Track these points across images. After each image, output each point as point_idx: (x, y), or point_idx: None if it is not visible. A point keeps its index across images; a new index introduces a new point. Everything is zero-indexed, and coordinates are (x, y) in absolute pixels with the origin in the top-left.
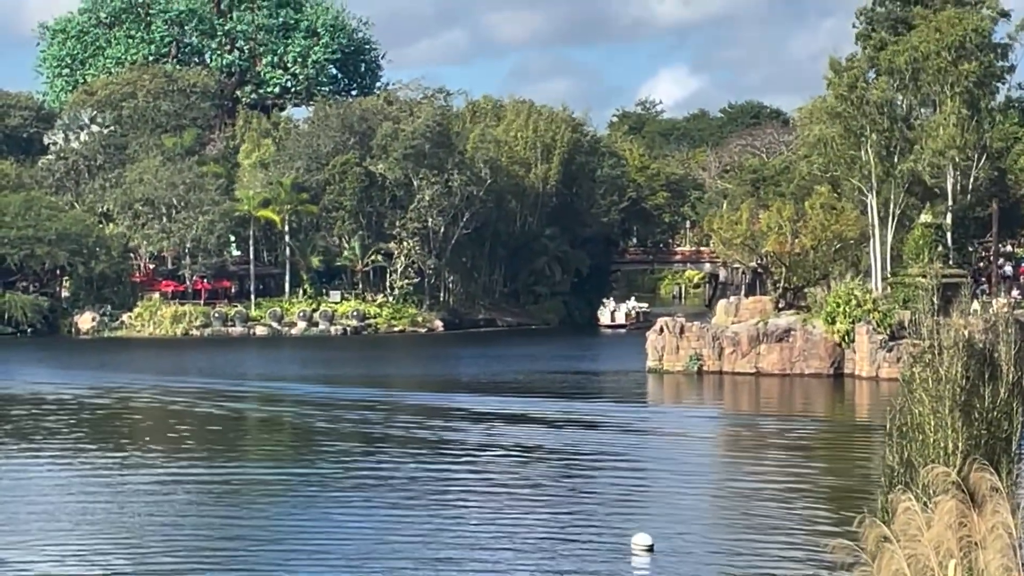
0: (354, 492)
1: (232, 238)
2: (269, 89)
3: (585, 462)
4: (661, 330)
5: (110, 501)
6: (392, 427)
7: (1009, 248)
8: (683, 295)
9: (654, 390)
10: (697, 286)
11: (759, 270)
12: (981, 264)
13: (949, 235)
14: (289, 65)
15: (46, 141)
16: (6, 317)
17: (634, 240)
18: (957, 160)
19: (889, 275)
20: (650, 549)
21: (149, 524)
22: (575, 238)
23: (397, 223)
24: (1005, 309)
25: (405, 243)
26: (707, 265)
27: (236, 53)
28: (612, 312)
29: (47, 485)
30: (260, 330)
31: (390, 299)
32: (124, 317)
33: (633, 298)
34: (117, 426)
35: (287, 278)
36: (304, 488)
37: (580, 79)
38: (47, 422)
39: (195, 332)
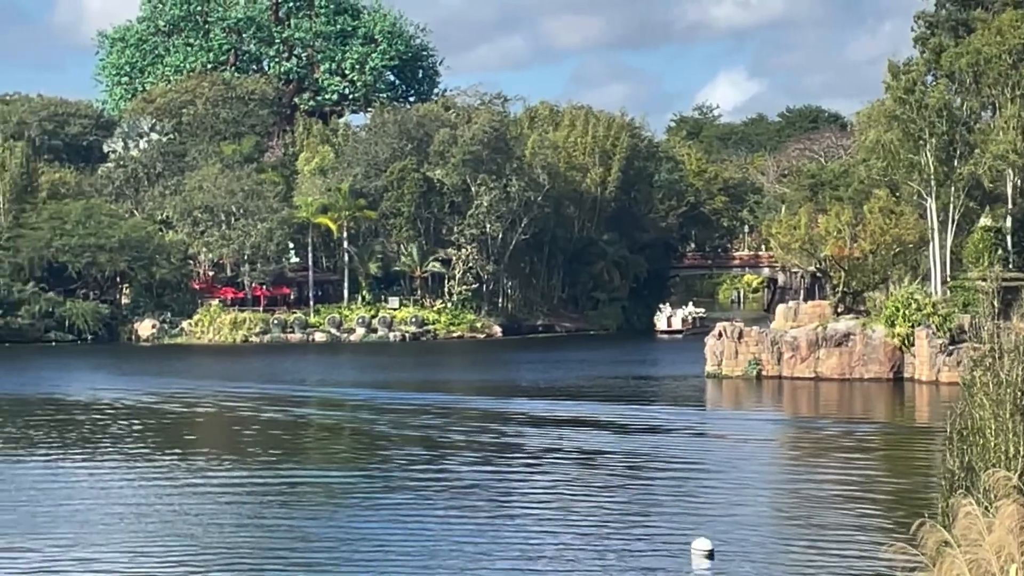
0: (417, 495)
1: (291, 245)
2: (327, 96)
3: (645, 466)
4: (720, 335)
5: (176, 504)
6: (453, 431)
7: None
8: (742, 300)
9: (713, 395)
10: (756, 291)
11: (818, 274)
12: None
13: (1009, 239)
14: (347, 72)
15: (106, 149)
16: (67, 324)
17: (692, 245)
18: (1018, 163)
19: (949, 279)
20: (710, 554)
21: (214, 527)
22: (633, 243)
23: (455, 229)
24: None
25: (463, 249)
26: (766, 270)
27: (294, 60)
28: (668, 318)
29: (114, 489)
30: (319, 336)
31: (449, 305)
32: (184, 324)
33: (691, 303)
34: (181, 431)
35: (346, 284)
36: (367, 491)
37: (638, 84)
38: (112, 428)
39: (254, 339)
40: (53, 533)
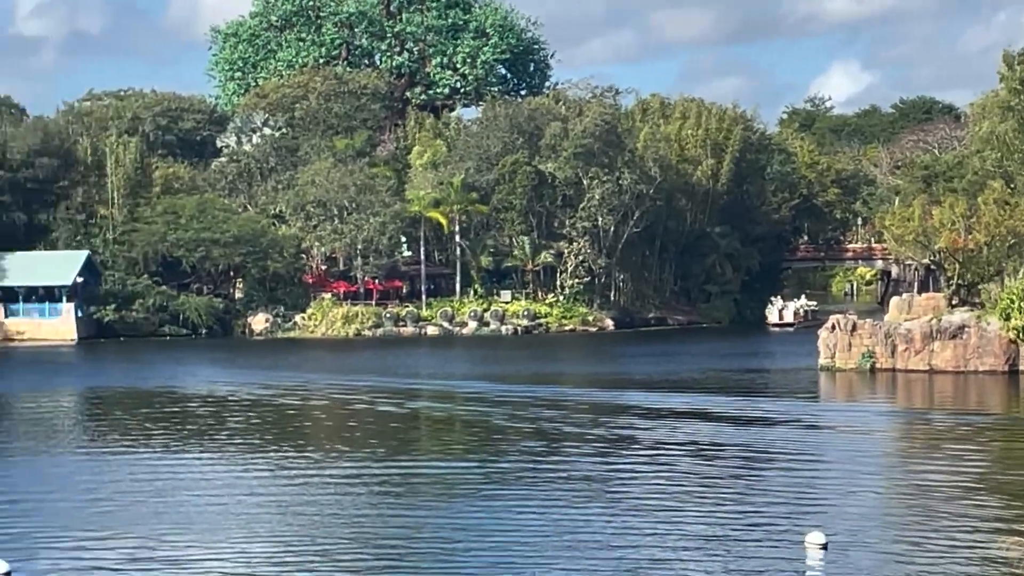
0: (531, 486)
1: (403, 238)
2: (439, 90)
3: (758, 458)
4: (833, 327)
5: (292, 497)
6: (566, 424)
7: None
8: (855, 292)
9: (827, 387)
10: (869, 283)
11: (932, 267)
12: None
13: None
14: (458, 66)
15: (219, 144)
16: (181, 319)
17: (805, 237)
18: None
19: None
20: (824, 547)
21: (331, 518)
22: (745, 236)
23: (567, 222)
24: None
25: (575, 242)
26: (879, 262)
27: (406, 54)
28: (780, 311)
29: (231, 481)
30: (431, 330)
31: (561, 298)
32: (297, 318)
33: (803, 296)
34: (297, 424)
35: (458, 278)
36: (481, 483)
37: (750, 76)
38: (229, 421)
39: (367, 332)
40: (171, 525)
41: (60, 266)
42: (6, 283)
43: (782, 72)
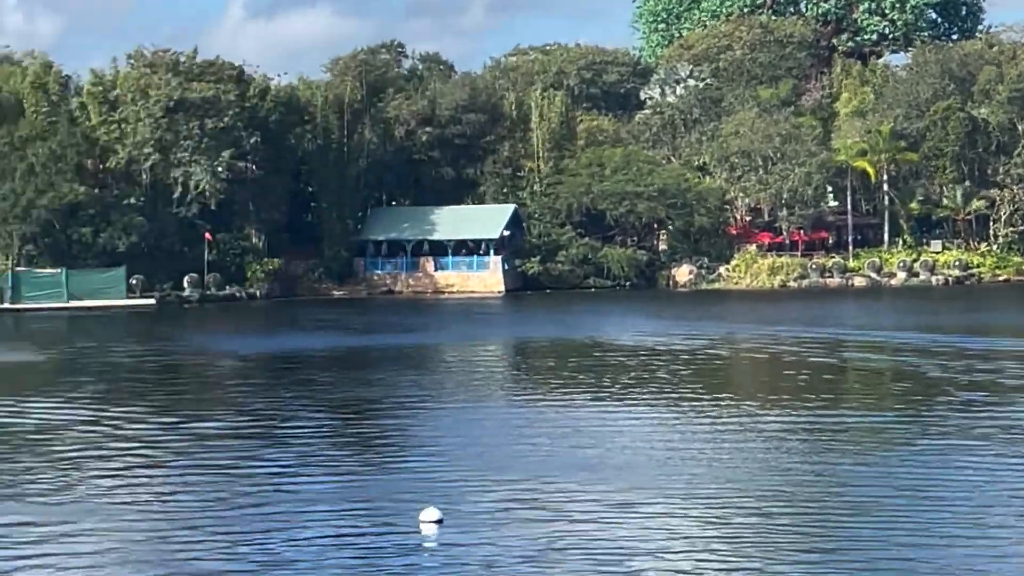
0: (968, 440)
1: (829, 188)
2: (866, 36)
3: None
4: None
5: (725, 447)
6: (1002, 376)
7: None
8: None
9: None
10: None
11: None
12: None
13: None
14: (887, 11)
15: (642, 96)
16: (604, 271)
17: None
18: None
19: None
20: None
21: (764, 469)
22: None
23: (1001, 169)
24: None
25: (1009, 189)
26: None
27: (832, 1)
28: None
29: (662, 432)
30: (858, 281)
31: (994, 248)
32: (721, 269)
33: None
34: (725, 374)
35: (886, 228)
36: (918, 436)
37: None
38: (659, 372)
39: (792, 284)
40: (602, 474)
41: (487, 220)
42: (436, 237)
43: None
